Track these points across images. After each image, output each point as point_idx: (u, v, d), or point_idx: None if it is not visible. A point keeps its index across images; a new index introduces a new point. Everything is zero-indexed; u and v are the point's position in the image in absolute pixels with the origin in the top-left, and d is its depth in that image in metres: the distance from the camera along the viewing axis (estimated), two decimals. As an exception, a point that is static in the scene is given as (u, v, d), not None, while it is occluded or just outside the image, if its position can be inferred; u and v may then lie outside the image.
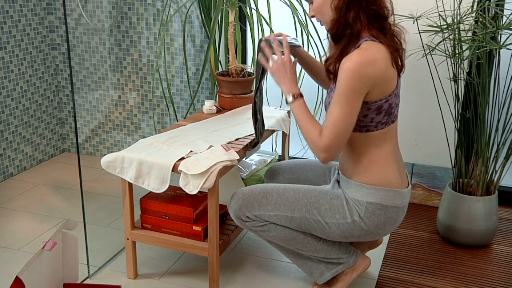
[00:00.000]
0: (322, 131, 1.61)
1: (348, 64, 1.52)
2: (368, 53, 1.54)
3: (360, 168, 1.69)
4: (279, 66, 1.72)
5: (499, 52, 2.19)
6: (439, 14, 2.19)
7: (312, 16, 1.70)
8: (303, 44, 2.60)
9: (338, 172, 1.81)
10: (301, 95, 1.71)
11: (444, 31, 2.17)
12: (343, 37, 1.60)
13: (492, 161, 2.27)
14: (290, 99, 1.70)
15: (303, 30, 2.57)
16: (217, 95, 2.45)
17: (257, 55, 1.80)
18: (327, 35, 1.69)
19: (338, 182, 1.79)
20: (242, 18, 2.77)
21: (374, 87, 1.56)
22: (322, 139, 1.60)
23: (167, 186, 1.81)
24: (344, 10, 1.58)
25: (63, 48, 3.24)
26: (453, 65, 2.25)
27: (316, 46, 2.63)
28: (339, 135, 1.58)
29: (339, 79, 1.55)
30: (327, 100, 1.70)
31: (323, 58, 1.68)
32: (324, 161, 1.63)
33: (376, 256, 2.20)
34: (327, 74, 1.68)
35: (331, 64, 1.63)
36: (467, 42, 2.17)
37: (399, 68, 1.64)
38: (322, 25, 1.70)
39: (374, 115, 1.61)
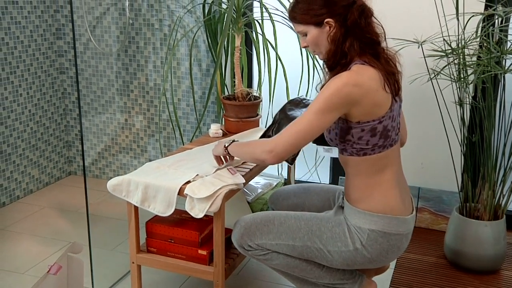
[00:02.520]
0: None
1: (334, 81, 1.55)
2: (356, 75, 1.56)
3: (361, 194, 1.66)
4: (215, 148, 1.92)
5: (504, 76, 2.20)
6: (444, 39, 2.21)
7: (305, 47, 1.71)
8: (308, 67, 2.62)
9: (343, 198, 1.78)
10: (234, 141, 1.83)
11: (449, 56, 2.18)
12: (338, 65, 1.62)
13: (499, 185, 2.26)
14: (226, 144, 1.84)
15: (308, 54, 2.59)
16: (223, 118, 2.46)
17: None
18: (323, 64, 1.70)
19: (342, 207, 1.77)
20: (248, 42, 2.80)
21: (357, 107, 1.56)
22: (272, 138, 1.63)
23: (173, 210, 1.81)
24: (341, 41, 1.60)
25: (71, 72, 3.28)
26: (458, 89, 2.26)
27: (322, 70, 2.64)
28: (295, 139, 1.58)
29: (321, 92, 1.58)
30: (328, 136, 1.72)
31: (319, 86, 1.68)
32: (268, 156, 1.62)
33: (382, 281, 2.18)
34: None
35: None
36: (472, 66, 2.18)
37: (395, 91, 1.63)
38: (315, 55, 1.73)
39: (369, 137, 1.60)
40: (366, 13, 1.61)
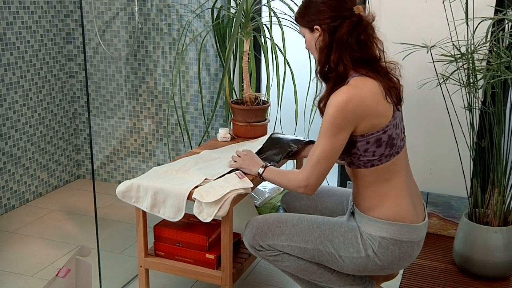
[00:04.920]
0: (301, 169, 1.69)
1: (335, 100, 1.55)
2: (356, 89, 1.56)
3: (371, 203, 1.66)
4: (243, 158, 1.93)
5: (514, 81, 2.18)
6: (453, 44, 2.19)
7: (306, 48, 1.75)
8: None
9: (353, 205, 1.77)
10: (267, 165, 1.86)
11: (458, 61, 2.16)
12: (329, 78, 1.63)
13: (509, 191, 2.24)
14: (261, 170, 1.84)
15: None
16: (231, 123, 2.45)
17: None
18: (316, 73, 1.71)
19: (353, 213, 1.76)
20: (257, 47, 2.80)
21: (363, 122, 1.57)
22: (301, 171, 1.67)
23: (182, 215, 1.81)
24: (326, 52, 1.62)
25: (80, 76, 3.29)
26: (467, 94, 2.24)
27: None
28: (318, 168, 1.62)
29: (325, 113, 1.58)
30: None
31: (317, 99, 1.70)
32: (304, 191, 1.67)
33: (391, 286, 2.16)
34: (321, 113, 1.68)
35: (323, 105, 1.64)
36: (481, 71, 2.17)
37: (396, 102, 1.64)
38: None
39: (375, 148, 1.60)
40: (361, 31, 1.60)
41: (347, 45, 1.59)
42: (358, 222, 1.69)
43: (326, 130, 1.58)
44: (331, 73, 1.62)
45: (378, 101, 1.57)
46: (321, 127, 1.60)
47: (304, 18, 1.67)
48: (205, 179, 1.87)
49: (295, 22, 1.72)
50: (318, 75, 1.69)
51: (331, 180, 2.90)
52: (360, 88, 1.56)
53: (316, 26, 1.64)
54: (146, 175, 1.93)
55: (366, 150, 1.61)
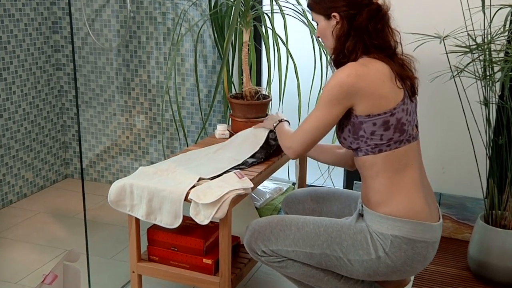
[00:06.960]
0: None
1: (337, 73, 1.62)
2: (360, 66, 1.61)
3: (382, 197, 1.64)
4: (266, 119, 2.14)
5: (534, 74, 2.17)
6: (468, 34, 2.16)
7: (318, 37, 1.78)
8: (321, 64, 2.60)
9: (362, 205, 1.75)
10: (283, 120, 2.00)
11: (474, 52, 2.14)
12: (341, 65, 1.68)
13: (528, 191, 2.22)
14: (276, 123, 1.99)
15: (321, 50, 2.57)
16: (230, 118, 2.44)
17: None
18: (330, 61, 1.77)
19: (362, 215, 1.73)
20: (257, 37, 2.80)
21: (363, 99, 1.59)
22: (292, 135, 1.77)
23: (180, 221, 1.78)
24: (343, 40, 1.67)
25: (68, 69, 3.31)
26: (483, 87, 2.22)
27: (330, 66, 2.60)
28: (304, 136, 1.69)
29: (326, 85, 1.65)
30: (341, 136, 1.73)
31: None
32: (287, 152, 1.77)
33: (402, 294, 2.11)
34: None
35: None
36: (499, 63, 2.16)
37: (411, 94, 1.67)
38: (325, 48, 1.80)
39: (382, 131, 1.60)
40: (379, 18, 1.65)
41: (364, 33, 1.64)
42: (368, 221, 1.67)
43: (323, 99, 1.64)
44: (344, 60, 1.67)
45: (384, 81, 1.60)
46: (319, 98, 1.67)
47: (320, 4, 1.70)
48: (200, 178, 1.85)
49: (308, 9, 1.75)
50: (333, 63, 1.73)
51: (337, 181, 2.90)
52: (366, 66, 1.61)
53: (334, 14, 1.67)
54: (135, 176, 1.89)
55: (373, 133, 1.61)
